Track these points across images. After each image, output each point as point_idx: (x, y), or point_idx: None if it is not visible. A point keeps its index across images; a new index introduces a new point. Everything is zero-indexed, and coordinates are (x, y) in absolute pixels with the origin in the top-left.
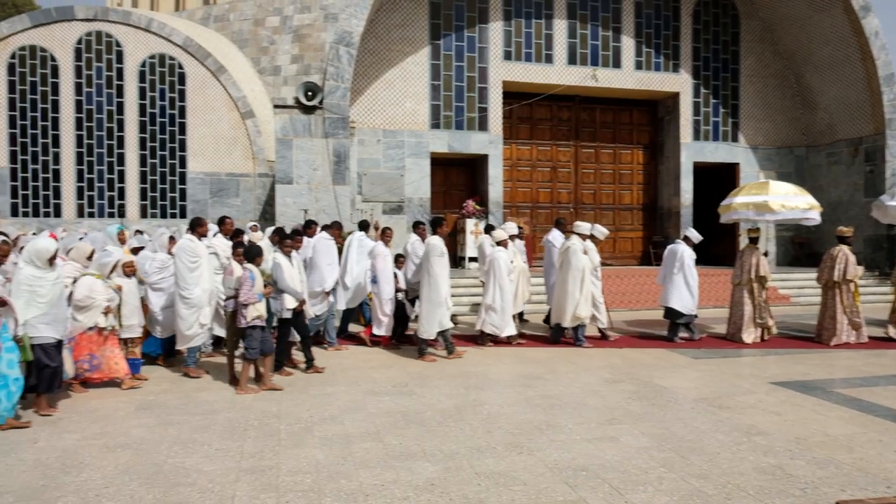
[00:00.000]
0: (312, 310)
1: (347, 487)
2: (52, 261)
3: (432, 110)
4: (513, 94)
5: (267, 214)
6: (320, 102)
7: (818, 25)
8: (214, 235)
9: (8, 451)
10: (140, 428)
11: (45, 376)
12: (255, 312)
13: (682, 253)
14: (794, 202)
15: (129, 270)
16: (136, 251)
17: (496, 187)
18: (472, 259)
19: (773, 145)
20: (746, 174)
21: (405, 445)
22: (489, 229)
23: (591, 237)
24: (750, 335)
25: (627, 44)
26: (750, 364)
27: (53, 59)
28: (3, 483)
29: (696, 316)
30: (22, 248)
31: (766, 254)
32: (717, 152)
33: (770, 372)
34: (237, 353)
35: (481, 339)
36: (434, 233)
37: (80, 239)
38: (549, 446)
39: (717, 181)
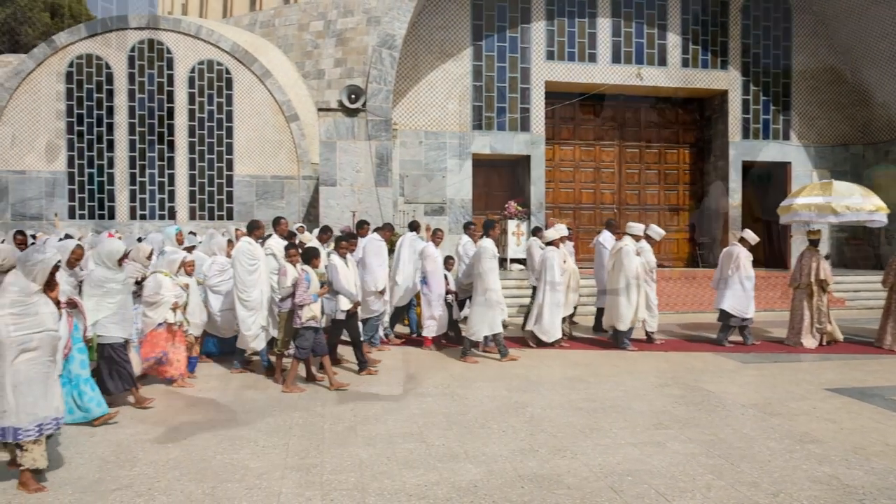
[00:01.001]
0: (371, 308)
1: (391, 487)
2: (121, 262)
3: (474, 111)
4: (555, 94)
5: (311, 216)
6: (363, 105)
7: (876, 18)
8: (269, 237)
9: (67, 444)
10: (189, 424)
11: (124, 375)
12: (310, 313)
13: (739, 255)
14: (859, 204)
15: (190, 269)
16: (187, 251)
17: (538, 188)
18: (514, 260)
19: (828, 143)
20: (798, 173)
21: (448, 446)
22: (536, 232)
23: (647, 238)
24: (810, 340)
25: (673, 41)
26: (803, 369)
27: (108, 66)
28: (62, 475)
29: (751, 320)
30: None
31: (827, 257)
32: (767, 151)
33: (825, 378)
34: (287, 352)
35: (533, 340)
36: (486, 235)
37: (139, 240)
38: (594, 450)
39: (767, 181)
